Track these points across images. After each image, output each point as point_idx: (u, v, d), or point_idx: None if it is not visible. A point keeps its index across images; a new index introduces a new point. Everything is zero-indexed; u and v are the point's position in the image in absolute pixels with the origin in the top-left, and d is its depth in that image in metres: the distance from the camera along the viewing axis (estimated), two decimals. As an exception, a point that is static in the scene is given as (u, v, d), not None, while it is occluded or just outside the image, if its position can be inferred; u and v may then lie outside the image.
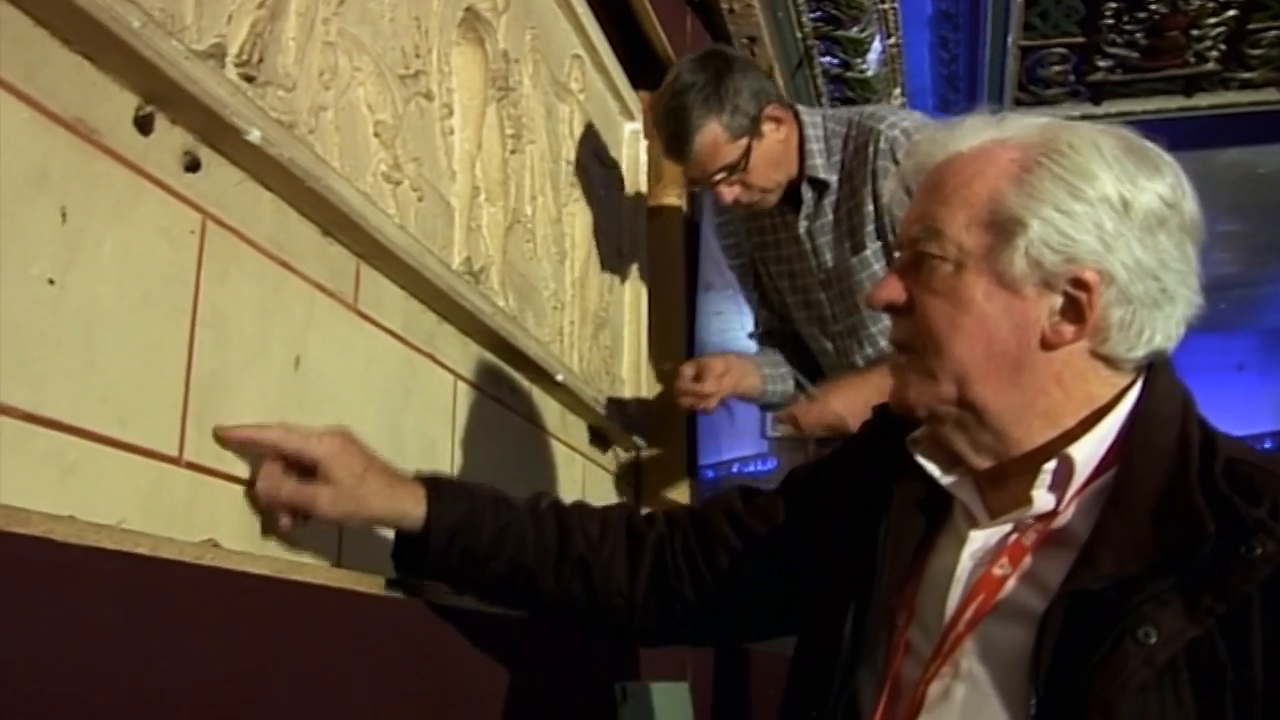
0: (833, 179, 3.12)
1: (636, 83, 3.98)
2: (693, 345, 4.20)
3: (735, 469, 6.52)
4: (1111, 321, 1.40)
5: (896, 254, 1.55)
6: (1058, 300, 1.41)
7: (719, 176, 3.02)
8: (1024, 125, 1.49)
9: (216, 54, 1.56)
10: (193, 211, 1.55)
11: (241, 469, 1.62)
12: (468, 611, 1.96)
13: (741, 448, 6.37)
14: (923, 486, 1.54)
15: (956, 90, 6.66)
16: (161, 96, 1.47)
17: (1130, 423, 1.42)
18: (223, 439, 1.56)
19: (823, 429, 2.98)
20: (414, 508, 1.74)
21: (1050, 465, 1.41)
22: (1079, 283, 1.39)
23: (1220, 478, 1.32)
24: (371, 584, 1.73)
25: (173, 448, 1.48)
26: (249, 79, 1.63)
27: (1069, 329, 1.41)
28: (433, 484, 1.78)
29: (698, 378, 3.06)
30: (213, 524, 1.53)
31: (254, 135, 1.58)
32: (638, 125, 3.93)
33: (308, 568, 1.58)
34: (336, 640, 1.59)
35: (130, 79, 1.43)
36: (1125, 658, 1.24)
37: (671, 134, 3.01)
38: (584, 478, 3.24)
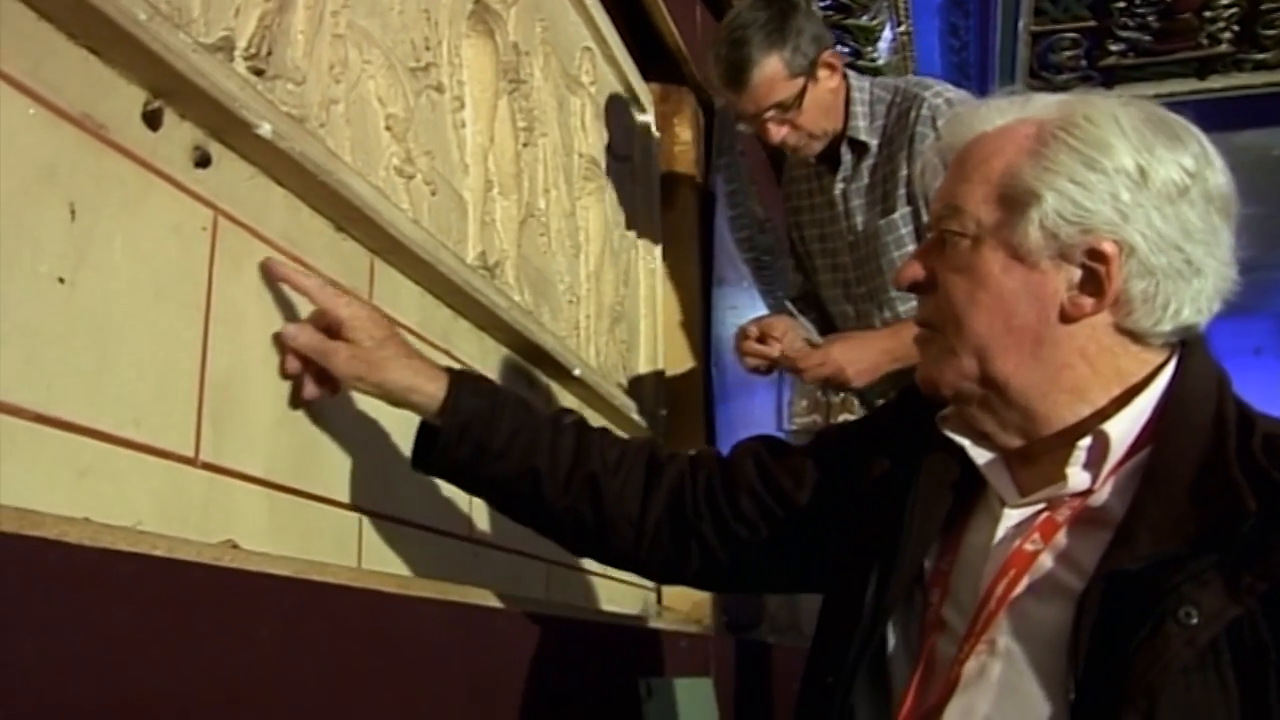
0: (873, 142, 3.18)
1: (647, 75, 3.96)
2: (708, 338, 4.18)
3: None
4: (1134, 294, 1.37)
5: (928, 234, 1.53)
6: (1076, 273, 1.39)
7: (771, 113, 3.08)
8: (1046, 102, 1.48)
9: (225, 47, 1.53)
10: (204, 208, 1.53)
11: (258, 469, 1.59)
12: (489, 610, 1.94)
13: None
14: (954, 464, 1.52)
15: (967, 77, 6.63)
16: (170, 91, 1.44)
17: (1165, 400, 1.40)
18: (266, 270, 1.63)
19: (822, 380, 3.06)
20: (429, 385, 1.73)
21: (1085, 442, 1.39)
22: (1096, 254, 1.37)
23: (1259, 453, 1.30)
24: (392, 584, 1.70)
25: (188, 448, 1.46)
26: (258, 72, 1.61)
27: (1088, 301, 1.39)
28: (457, 373, 1.78)
29: (761, 339, 3.08)
30: (230, 525, 1.51)
31: (264, 129, 1.56)
32: (649, 117, 3.91)
33: (328, 568, 1.55)
34: (357, 641, 1.57)
35: (138, 73, 1.40)
36: (1168, 639, 1.22)
37: (731, 64, 3.05)
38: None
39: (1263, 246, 9.12)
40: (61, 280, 1.26)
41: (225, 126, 1.54)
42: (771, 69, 3.01)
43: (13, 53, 1.22)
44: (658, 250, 3.83)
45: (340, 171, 1.75)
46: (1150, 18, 6.14)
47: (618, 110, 3.61)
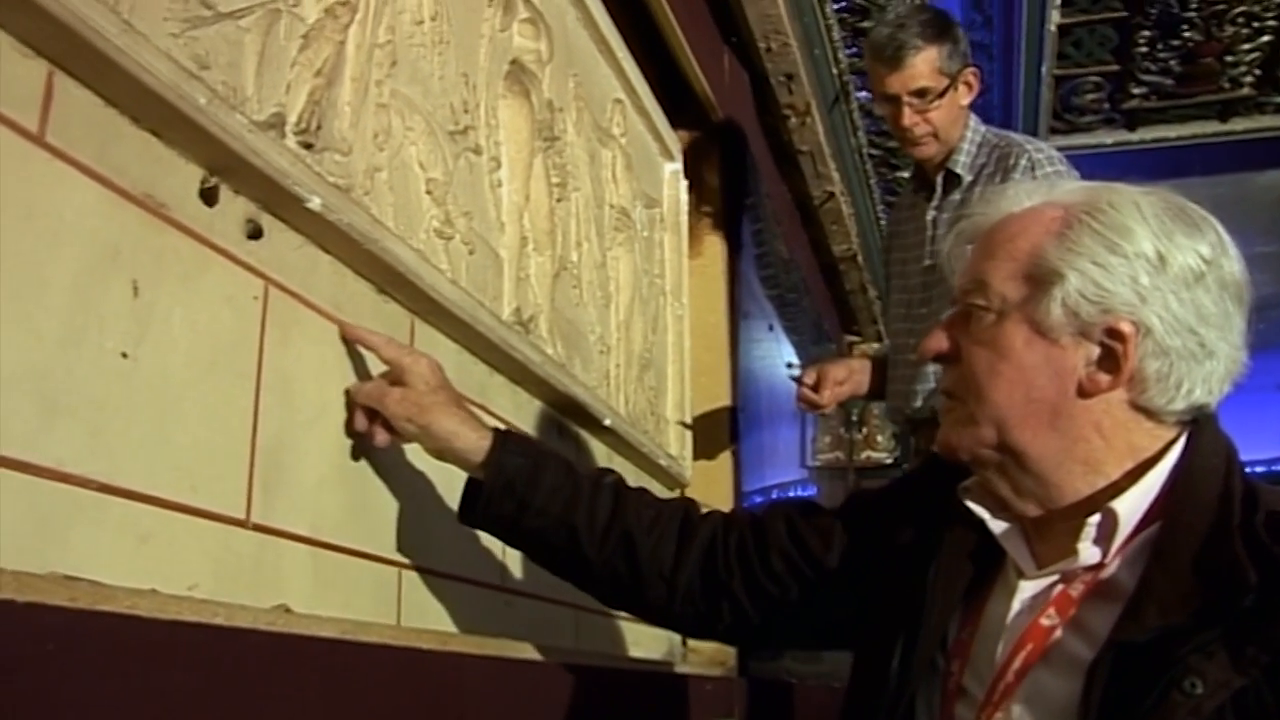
0: (967, 177, 3.42)
1: (675, 122, 4.02)
2: (736, 378, 4.24)
3: (775, 495, 6.54)
4: (1149, 373, 1.44)
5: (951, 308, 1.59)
6: (1095, 350, 1.45)
7: (912, 98, 3.38)
8: (1072, 188, 1.56)
9: (277, 124, 1.59)
10: (256, 278, 1.59)
11: (305, 528, 1.65)
12: (523, 662, 1.99)
13: (783, 474, 6.38)
14: (974, 534, 1.58)
15: (991, 119, 6.64)
16: (225, 168, 1.51)
17: (1175, 476, 1.46)
18: (345, 333, 1.77)
19: (808, 403, 3.45)
20: (472, 434, 1.81)
21: (1095, 519, 1.45)
22: (1114, 333, 1.43)
23: (1261, 528, 1.36)
24: (432, 640, 1.75)
25: (240, 510, 1.51)
26: (308, 146, 1.67)
27: (1105, 378, 1.45)
28: (501, 431, 1.85)
29: (817, 386, 3.41)
30: (279, 583, 1.57)
31: (314, 203, 1.62)
32: (677, 165, 3.96)
33: (372, 628, 1.60)
34: (400, 697, 1.62)
35: (195, 152, 1.47)
36: (1172, 709, 1.27)
37: (894, 39, 3.37)
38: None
39: (1285, 283, 9.15)
40: (125, 355, 1.32)
41: (276, 199, 1.60)
42: (929, 55, 3.34)
43: (81, 139, 1.28)
44: (685, 297, 3.88)
45: (384, 238, 1.81)
46: (1172, 62, 6.19)
47: (647, 159, 3.67)
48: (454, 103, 2.19)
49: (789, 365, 6.39)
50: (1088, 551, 1.45)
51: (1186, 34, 5.93)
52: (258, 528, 1.54)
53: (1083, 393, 1.46)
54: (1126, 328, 1.43)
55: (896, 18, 3.43)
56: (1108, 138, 6.87)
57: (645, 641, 3.17)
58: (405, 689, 1.63)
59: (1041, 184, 1.60)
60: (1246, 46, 6.03)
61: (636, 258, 3.39)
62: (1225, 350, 1.46)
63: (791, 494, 6.53)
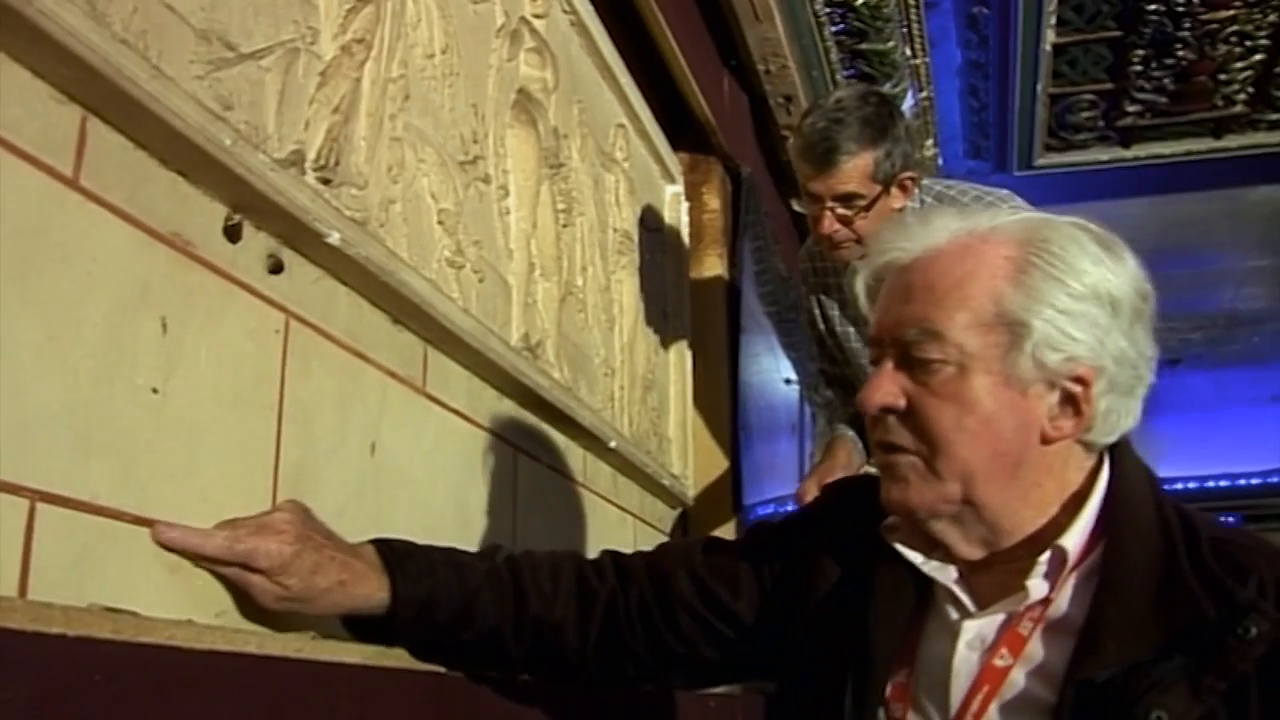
0: None
1: (676, 145, 4.07)
2: (736, 397, 4.28)
3: (773, 508, 6.56)
4: (1099, 412, 1.42)
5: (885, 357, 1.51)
6: (1055, 397, 1.42)
7: (836, 204, 2.99)
8: (1000, 221, 1.49)
9: (297, 161, 1.64)
10: (277, 312, 1.63)
11: (324, 555, 1.69)
12: (531, 684, 2.02)
13: (782, 488, 6.41)
14: (904, 571, 1.52)
15: (987, 137, 6.74)
16: (248, 205, 1.55)
17: (1106, 504, 1.45)
18: (162, 543, 1.35)
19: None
20: (368, 591, 1.58)
21: (1045, 557, 1.42)
22: (1077, 379, 1.40)
23: (1210, 559, 1.36)
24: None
25: (263, 539, 1.55)
26: (326, 181, 1.71)
27: (1068, 424, 1.42)
28: (392, 562, 1.63)
29: None
30: (300, 609, 1.61)
31: (334, 238, 1.67)
32: (679, 188, 4.01)
33: (391, 653, 1.64)
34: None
35: (220, 191, 1.51)
36: None
37: (825, 139, 2.96)
38: (635, 538, 3.30)
39: (1278, 298, 9.21)
40: (155, 390, 1.37)
41: (297, 235, 1.65)
42: (861, 163, 2.94)
43: (113, 181, 1.33)
44: (687, 318, 3.92)
45: (399, 270, 1.85)
46: (1166, 80, 6.23)
47: (649, 183, 3.72)
48: (464, 133, 2.23)
49: (787, 381, 6.43)
50: (1037, 588, 1.42)
51: (1180, 53, 5.98)
52: (281, 555, 1.58)
53: (1045, 440, 1.43)
54: (1088, 373, 1.40)
55: (836, 106, 3.00)
56: (1103, 155, 6.91)
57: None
58: (424, 713, 1.67)
59: (954, 213, 1.51)
60: (1240, 65, 6.07)
61: (639, 280, 3.44)
62: (1149, 378, 1.46)
63: (791, 507, 6.55)
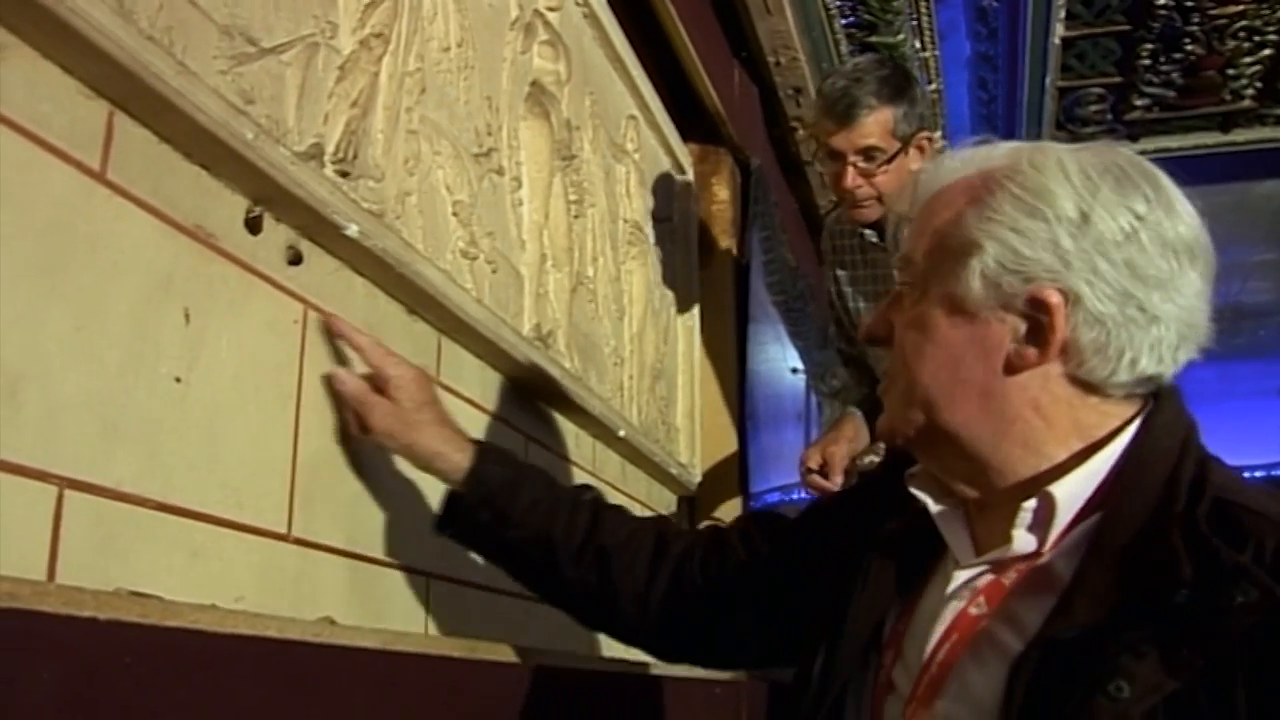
0: None
1: (686, 136, 4.09)
2: (744, 384, 4.30)
3: (777, 497, 6.59)
4: (1084, 343, 1.32)
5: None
6: (1022, 324, 1.34)
7: (858, 159, 3.10)
8: (1001, 150, 1.43)
9: (316, 154, 1.66)
10: (296, 303, 1.66)
11: (341, 540, 1.72)
12: (546, 668, 2.05)
13: (787, 476, 6.44)
14: (918, 522, 1.48)
15: (995, 129, 6.74)
16: (269, 198, 1.58)
17: (1123, 459, 1.35)
18: (330, 328, 1.73)
19: (817, 487, 3.21)
20: (455, 454, 1.79)
21: (1030, 504, 1.34)
22: (1039, 303, 1.32)
23: (1203, 518, 1.24)
24: (461, 649, 1.82)
25: (282, 525, 1.59)
26: (344, 174, 1.74)
27: (1032, 352, 1.33)
28: (483, 445, 1.84)
29: (824, 469, 3.19)
30: (317, 593, 1.65)
31: (352, 230, 1.69)
32: (688, 178, 4.03)
33: (408, 637, 1.68)
34: (433, 704, 1.69)
35: (242, 184, 1.54)
36: (1096, 712, 1.17)
37: (846, 95, 3.08)
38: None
39: (1286, 290, 9.23)
40: (178, 379, 1.40)
41: (316, 227, 1.68)
42: (881, 117, 3.07)
43: (139, 175, 1.36)
44: (696, 307, 3.95)
45: (414, 261, 1.88)
46: (1174, 74, 6.25)
47: (659, 174, 3.74)
48: (478, 126, 2.26)
49: (794, 370, 6.45)
50: (1021, 539, 1.34)
51: (1189, 47, 5.99)
52: (298, 541, 1.62)
53: (1010, 369, 1.34)
54: (1052, 297, 1.31)
55: (854, 69, 3.16)
56: (1110, 148, 6.93)
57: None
58: (438, 697, 1.70)
59: (980, 150, 1.44)
60: (1247, 60, 6.09)
61: (649, 270, 3.47)
62: (1173, 312, 1.32)
63: (796, 495, 6.59)
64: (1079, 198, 1.31)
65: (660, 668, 3.02)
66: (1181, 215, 1.34)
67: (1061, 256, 1.31)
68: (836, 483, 3.16)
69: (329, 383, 1.74)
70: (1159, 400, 1.38)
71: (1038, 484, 1.35)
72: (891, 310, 1.48)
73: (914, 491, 1.47)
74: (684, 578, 1.80)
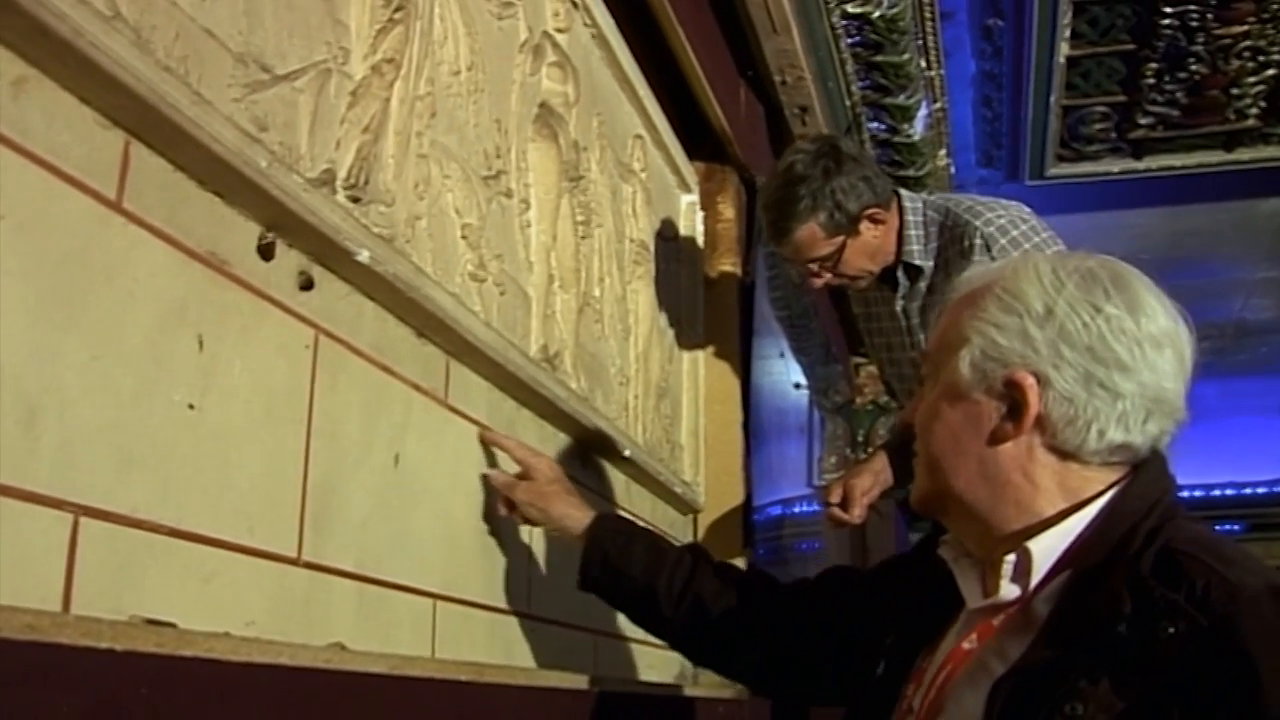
0: (928, 265, 3.30)
1: (692, 154, 4.10)
2: (748, 404, 4.31)
3: (779, 510, 6.60)
4: (1055, 417, 1.52)
5: None
6: (1004, 404, 1.55)
7: (811, 266, 3.27)
8: (1004, 261, 1.73)
9: (328, 180, 1.68)
10: (307, 328, 1.67)
11: (350, 564, 1.73)
12: (549, 690, 2.06)
13: (790, 489, 6.45)
14: (947, 577, 1.69)
15: (999, 147, 6.77)
16: (281, 224, 1.59)
17: (1099, 518, 1.53)
18: (484, 439, 2.28)
19: (836, 520, 3.24)
20: (581, 517, 2.27)
21: (1010, 557, 1.54)
22: (1013, 384, 1.53)
23: (1146, 563, 1.42)
24: (468, 672, 1.83)
25: (292, 549, 1.60)
26: (355, 200, 1.75)
27: (1010, 426, 1.54)
28: (601, 515, 2.31)
29: (845, 503, 3.20)
30: (327, 617, 1.66)
31: (363, 256, 1.70)
32: (694, 197, 4.04)
33: (415, 662, 1.68)
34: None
35: (255, 211, 1.55)
36: None
37: (773, 222, 3.26)
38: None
39: (1285, 308, 9.26)
40: (191, 406, 1.41)
41: (327, 252, 1.69)
42: (809, 232, 3.18)
43: (154, 203, 1.37)
44: (700, 326, 3.96)
45: (424, 285, 1.89)
46: (1179, 93, 6.26)
47: (665, 192, 3.76)
48: (487, 148, 2.27)
49: (796, 385, 6.47)
50: (1007, 587, 1.54)
51: (1193, 67, 6.00)
52: (308, 565, 1.63)
53: (996, 440, 1.56)
54: (1025, 379, 1.52)
55: (782, 181, 3.23)
56: (1114, 166, 6.93)
57: (658, 665, 3.25)
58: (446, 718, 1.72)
59: (991, 265, 1.75)
60: (1252, 79, 6.10)
61: (654, 289, 3.48)
62: (1135, 390, 1.51)
63: (798, 508, 6.60)
64: (1046, 295, 1.54)
65: (664, 689, 3.04)
66: (1145, 309, 1.53)
67: (1031, 345, 1.53)
68: (855, 516, 3.20)
69: (487, 482, 2.27)
70: (1140, 468, 1.56)
71: (1020, 539, 1.54)
72: (919, 398, 1.74)
73: (940, 553, 1.69)
74: (769, 623, 2.12)
